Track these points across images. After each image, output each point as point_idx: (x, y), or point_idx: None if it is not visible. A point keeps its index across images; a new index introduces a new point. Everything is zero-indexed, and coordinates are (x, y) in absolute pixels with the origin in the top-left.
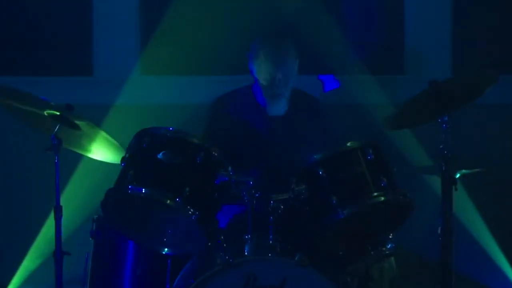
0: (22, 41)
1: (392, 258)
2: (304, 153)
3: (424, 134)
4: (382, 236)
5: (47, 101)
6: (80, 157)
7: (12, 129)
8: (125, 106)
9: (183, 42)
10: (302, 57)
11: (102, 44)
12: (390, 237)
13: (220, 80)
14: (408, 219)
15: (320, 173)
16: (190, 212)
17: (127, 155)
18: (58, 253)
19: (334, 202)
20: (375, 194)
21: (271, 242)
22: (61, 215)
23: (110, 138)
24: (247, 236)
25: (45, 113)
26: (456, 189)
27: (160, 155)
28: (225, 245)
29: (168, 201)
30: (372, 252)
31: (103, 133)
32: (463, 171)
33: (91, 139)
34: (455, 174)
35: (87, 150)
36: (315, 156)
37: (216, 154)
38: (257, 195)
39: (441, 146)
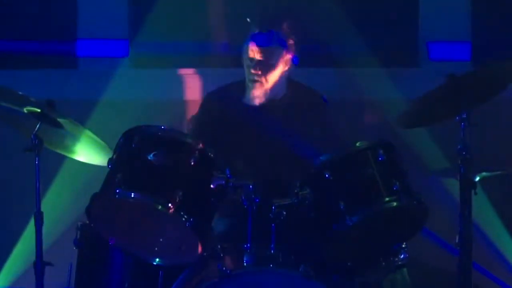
0: None
1: (405, 270)
2: (299, 148)
3: (441, 133)
4: (395, 245)
5: (26, 96)
6: (63, 158)
7: None
8: (112, 102)
9: (175, 31)
10: (308, 50)
11: (88, 34)
12: (403, 246)
13: (216, 74)
14: (423, 226)
15: (327, 176)
16: (183, 219)
17: (114, 156)
18: (39, 264)
19: (341, 208)
20: (387, 199)
21: (272, 251)
22: (42, 222)
23: (96, 138)
24: (247, 245)
25: (25, 110)
26: (475, 193)
27: (150, 156)
28: (222, 254)
29: (160, 207)
30: (383, 263)
31: (88, 132)
32: (483, 173)
33: (75, 138)
34: (475, 177)
35: (71, 151)
36: (321, 158)
37: (212, 155)
38: (257, 200)
39: (459, 147)
